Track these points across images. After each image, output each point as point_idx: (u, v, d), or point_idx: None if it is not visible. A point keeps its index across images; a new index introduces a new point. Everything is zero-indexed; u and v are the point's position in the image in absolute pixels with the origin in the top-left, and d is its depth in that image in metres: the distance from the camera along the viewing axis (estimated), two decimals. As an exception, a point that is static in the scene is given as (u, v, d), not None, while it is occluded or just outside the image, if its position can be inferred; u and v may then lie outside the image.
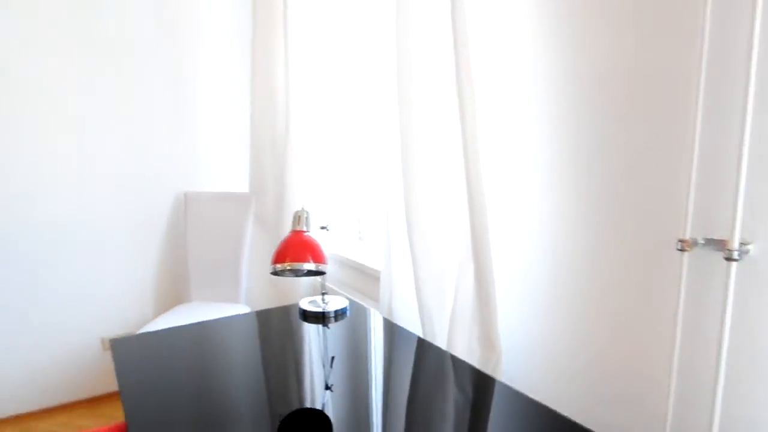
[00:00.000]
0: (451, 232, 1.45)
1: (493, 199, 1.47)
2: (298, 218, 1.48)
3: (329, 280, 2.42)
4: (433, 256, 1.47)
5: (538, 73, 1.31)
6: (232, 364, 1.30)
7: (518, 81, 1.36)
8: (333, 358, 1.32)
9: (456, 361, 1.28)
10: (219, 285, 2.64)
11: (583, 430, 0.98)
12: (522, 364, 1.43)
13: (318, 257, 1.42)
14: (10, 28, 2.35)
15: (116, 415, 2.55)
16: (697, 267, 1.03)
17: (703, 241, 1.01)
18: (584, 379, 1.28)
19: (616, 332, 1.20)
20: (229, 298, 2.61)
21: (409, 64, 1.41)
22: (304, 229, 1.46)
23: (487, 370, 1.39)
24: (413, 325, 1.65)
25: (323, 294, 1.67)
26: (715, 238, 0.99)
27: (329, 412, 1.08)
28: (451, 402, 1.10)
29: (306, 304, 1.64)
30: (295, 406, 1.10)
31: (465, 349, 1.43)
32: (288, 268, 1.39)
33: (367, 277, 2.12)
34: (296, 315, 1.61)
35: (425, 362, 1.30)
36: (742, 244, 0.95)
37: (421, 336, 1.51)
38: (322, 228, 1.63)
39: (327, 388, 1.19)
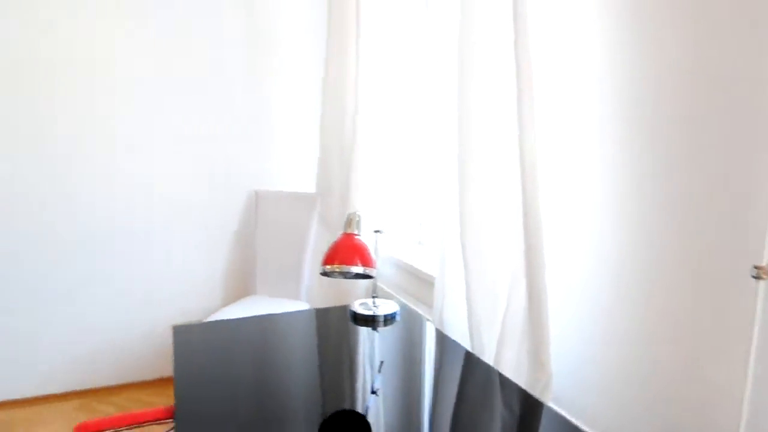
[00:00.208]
0: (505, 243, 1.40)
1: (549, 210, 1.40)
2: (349, 221, 1.49)
3: (386, 283, 2.42)
4: (485, 267, 1.43)
5: (602, 77, 1.24)
6: (281, 359, 1.32)
7: (581, 83, 1.30)
8: (382, 362, 1.31)
9: (503, 380, 1.24)
10: (282, 280, 2.72)
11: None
12: (573, 388, 1.36)
13: (366, 261, 1.43)
14: (106, 29, 2.55)
15: (180, 397, 2.67)
16: (773, 298, 0.93)
17: (781, 271, 0.91)
18: (642, 408, 1.19)
19: (681, 360, 1.10)
20: (290, 294, 2.68)
21: (471, 68, 1.38)
22: (356, 232, 1.47)
23: (535, 392, 1.33)
24: (463, 336, 1.61)
25: (374, 297, 1.67)
26: (796, 268, 0.89)
27: (372, 416, 1.07)
28: (497, 423, 1.06)
29: (357, 307, 1.65)
30: (340, 406, 1.10)
31: (513, 366, 1.38)
32: (336, 269, 1.41)
33: (423, 283, 2.10)
34: (348, 316, 1.62)
35: (471, 377, 1.26)
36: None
37: (470, 348, 1.47)
38: (376, 231, 1.63)
39: (373, 392, 1.18)
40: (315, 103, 2.94)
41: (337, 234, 2.63)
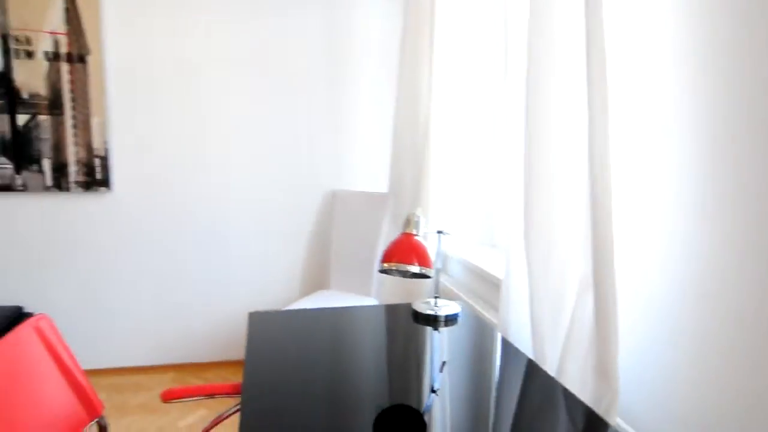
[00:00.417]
0: (572, 247, 1.33)
1: (621, 213, 1.32)
2: (408, 221, 1.49)
3: (455, 285, 2.39)
4: (550, 272, 1.37)
5: (680, 69, 1.14)
6: (343, 350, 1.35)
7: (655, 77, 1.20)
8: (444, 363, 1.31)
9: (566, 394, 1.18)
10: (354, 277, 2.77)
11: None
12: (641, 405, 1.27)
13: (424, 261, 1.42)
14: (200, 36, 2.74)
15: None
16: None
17: None
18: (715, 436, 1.09)
19: None
20: (361, 290, 2.73)
21: (539, 65, 1.33)
22: (414, 232, 1.47)
23: (599, 409, 1.25)
24: (528, 342, 1.55)
25: (436, 297, 1.66)
26: None
27: (431, 416, 1.06)
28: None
29: (419, 305, 1.65)
30: (398, 401, 1.11)
31: (576, 379, 1.31)
32: (394, 268, 1.41)
33: (493, 286, 2.05)
34: (410, 315, 1.62)
35: (532, 387, 1.21)
36: None
37: (532, 356, 1.42)
38: (439, 232, 1.61)
39: (433, 391, 1.18)
40: (390, 106, 2.97)
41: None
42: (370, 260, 2.71)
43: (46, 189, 2.72)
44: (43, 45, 2.61)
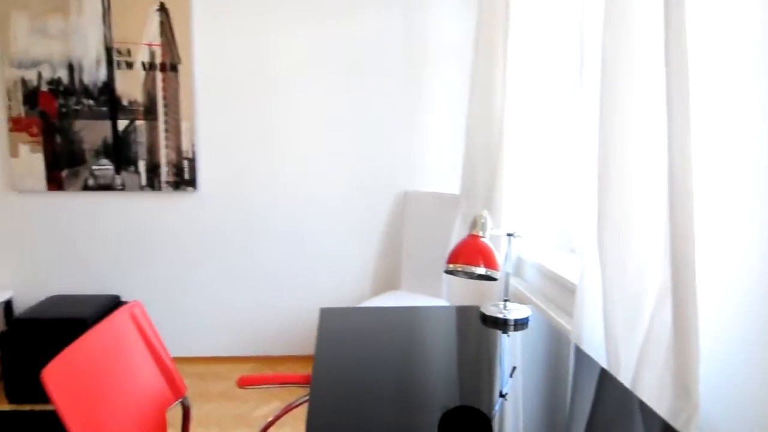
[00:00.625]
0: (649, 252, 1.28)
1: (702, 215, 1.25)
2: (475, 222, 1.49)
3: (529, 289, 2.35)
4: (626, 278, 1.32)
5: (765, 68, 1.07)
6: (410, 349, 1.37)
7: (740, 75, 1.13)
8: (515, 368, 1.30)
9: (642, 406, 1.14)
10: (424, 278, 2.79)
11: None
12: (722, 416, 1.19)
13: (490, 263, 1.41)
14: (281, 41, 2.87)
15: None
16: None
17: None
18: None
19: None
20: (432, 292, 2.74)
21: (615, 62, 1.29)
22: (481, 233, 1.46)
23: (677, 424, 1.20)
24: (602, 350, 1.50)
25: (505, 301, 1.64)
26: None
27: (499, 420, 1.06)
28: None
29: (487, 308, 1.64)
30: (466, 403, 1.11)
31: (653, 391, 1.25)
32: (459, 269, 1.42)
33: (567, 292, 2.00)
34: (479, 317, 1.62)
35: (605, 397, 1.18)
36: None
37: (605, 364, 1.37)
38: (509, 235, 1.60)
39: (501, 395, 1.17)
40: (463, 106, 2.95)
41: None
42: (441, 262, 2.72)
43: (141, 188, 2.96)
44: (141, 56, 2.84)
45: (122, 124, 2.90)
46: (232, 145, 2.96)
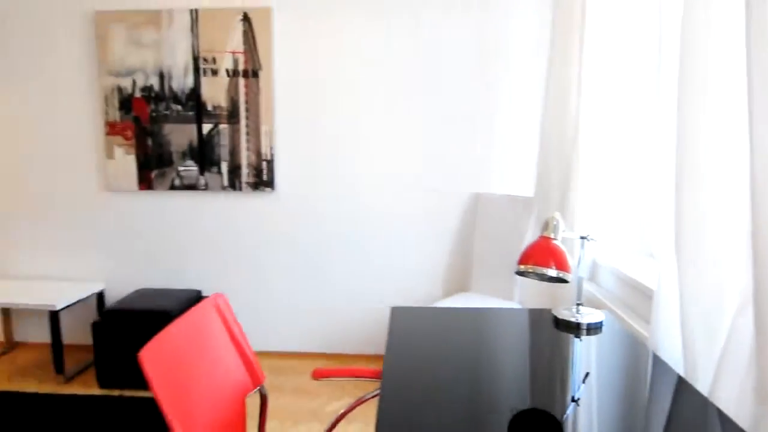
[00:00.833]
0: (730, 257, 1.21)
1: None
2: (547, 224, 1.46)
3: (604, 294, 2.27)
4: (705, 283, 1.26)
5: None
6: (482, 350, 1.38)
7: None
8: (588, 374, 1.27)
9: (721, 417, 1.08)
10: (496, 281, 2.76)
11: None
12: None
13: (562, 265, 1.38)
14: (350, 43, 2.95)
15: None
16: None
17: None
18: None
19: None
20: (503, 294, 2.71)
21: (693, 63, 1.24)
22: (553, 236, 1.44)
23: (763, 436, 1.13)
24: (679, 357, 1.44)
25: (578, 305, 1.61)
26: None
27: (571, 425, 1.04)
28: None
29: (560, 312, 1.61)
30: (536, 406, 1.11)
31: (732, 401, 1.19)
32: (530, 270, 1.40)
33: (644, 297, 1.92)
34: (551, 320, 1.60)
35: (681, 406, 1.13)
36: None
37: (682, 373, 1.31)
38: (583, 238, 1.56)
39: (573, 400, 1.16)
40: (536, 108, 2.90)
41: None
42: (513, 265, 2.68)
43: (223, 188, 3.13)
44: (225, 63, 3.01)
45: (207, 127, 3.08)
46: (307, 148, 3.07)
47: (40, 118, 3.18)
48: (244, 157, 3.09)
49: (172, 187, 3.15)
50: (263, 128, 3.05)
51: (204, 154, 3.10)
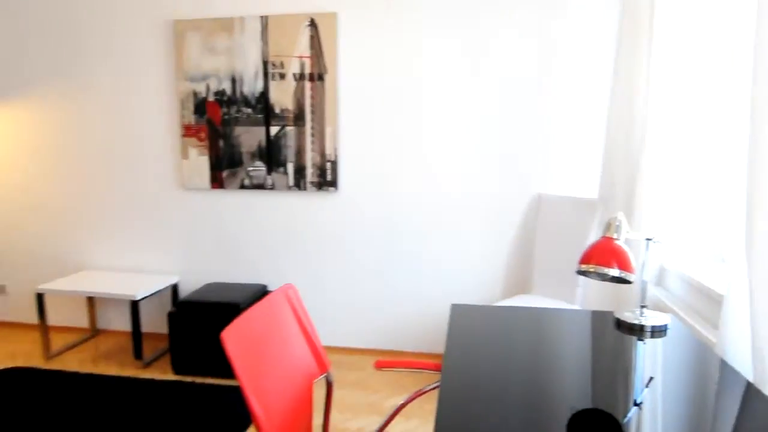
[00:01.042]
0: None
1: None
2: (609, 225, 1.45)
3: (671, 299, 2.20)
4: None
5: None
6: (542, 349, 1.38)
7: None
8: (652, 378, 1.26)
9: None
10: (558, 283, 2.73)
11: None
12: None
13: (624, 265, 1.37)
14: (423, 42, 3.00)
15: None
16: None
17: None
18: None
19: None
20: (565, 297, 2.67)
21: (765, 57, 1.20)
22: (615, 236, 1.43)
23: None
24: (748, 363, 1.39)
25: (642, 307, 1.58)
26: None
27: (635, 429, 1.04)
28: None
29: (623, 314, 1.59)
30: (595, 407, 1.11)
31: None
32: (592, 269, 1.40)
33: (714, 303, 1.86)
34: (613, 322, 1.58)
35: (751, 413, 1.10)
36: None
37: (751, 379, 1.27)
38: (648, 239, 1.53)
39: (636, 404, 1.15)
40: (602, 108, 2.85)
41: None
42: (575, 267, 2.64)
43: (289, 188, 3.26)
44: (293, 68, 3.14)
45: (274, 129, 3.22)
46: (370, 149, 3.14)
47: (123, 122, 3.43)
48: (309, 158, 3.20)
49: (242, 187, 3.31)
50: (327, 130, 3.16)
51: (271, 155, 3.24)
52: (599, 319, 1.64)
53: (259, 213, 3.34)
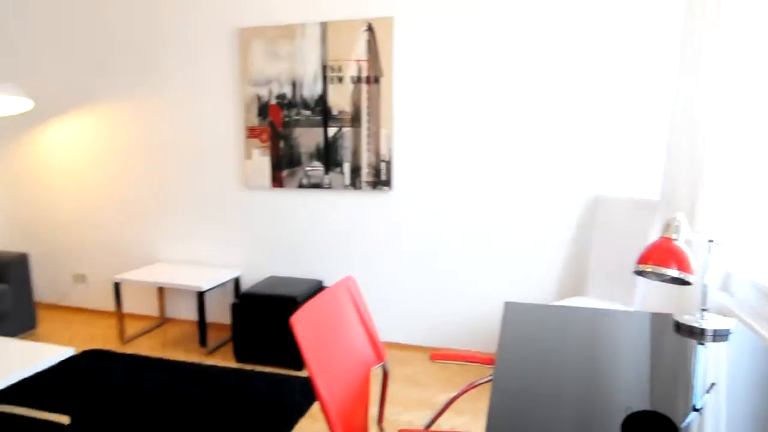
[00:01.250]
0: None
1: None
2: (668, 225, 1.44)
3: (738, 305, 2.14)
4: None
5: None
6: (596, 349, 1.39)
7: None
8: (713, 384, 1.25)
9: None
10: (614, 286, 2.69)
11: None
12: None
13: (683, 266, 1.36)
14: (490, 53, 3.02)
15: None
16: None
17: None
18: None
19: None
20: (622, 300, 2.63)
21: None
22: (674, 236, 1.42)
23: None
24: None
25: (703, 310, 1.56)
26: None
27: None
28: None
29: (682, 317, 1.58)
30: (651, 410, 1.10)
31: None
32: (650, 270, 1.39)
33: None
34: (672, 325, 1.57)
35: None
36: None
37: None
38: (710, 241, 1.51)
39: (695, 409, 1.14)
40: (663, 106, 2.77)
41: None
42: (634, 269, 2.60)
43: (345, 187, 3.36)
44: (350, 71, 3.24)
45: (332, 131, 3.33)
46: (423, 149, 3.20)
47: (192, 125, 3.63)
48: (365, 158, 3.29)
49: (300, 186, 3.44)
50: (383, 131, 3.23)
51: (329, 155, 3.35)
52: (657, 321, 1.62)
53: (316, 211, 3.46)
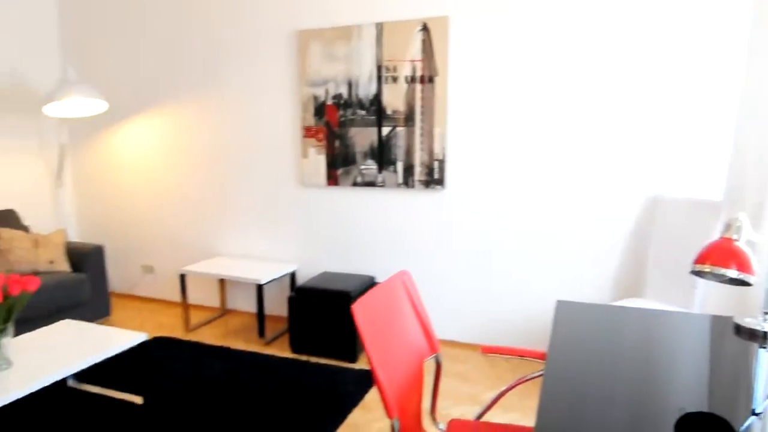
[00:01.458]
0: None
1: None
2: (729, 226, 1.41)
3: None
4: None
5: None
6: (651, 351, 1.38)
7: None
8: None
9: None
10: (673, 288, 2.63)
11: None
12: None
13: (744, 266, 1.33)
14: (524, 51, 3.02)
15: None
16: None
17: None
18: None
19: None
20: (680, 303, 2.57)
21: None
22: (735, 237, 1.39)
23: None
24: None
25: (765, 313, 1.52)
26: None
27: None
28: None
29: (742, 319, 1.54)
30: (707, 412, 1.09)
31: None
32: (708, 270, 1.37)
33: None
34: (731, 327, 1.54)
35: None
36: None
37: None
38: (773, 241, 1.47)
39: (754, 413, 1.13)
40: (729, 103, 2.68)
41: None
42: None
43: (398, 185, 3.42)
44: (405, 71, 3.30)
45: (385, 130, 3.40)
46: (477, 148, 3.21)
47: (252, 125, 3.80)
48: (418, 157, 3.34)
49: (354, 184, 3.53)
50: (436, 130, 3.27)
51: (383, 154, 3.43)
52: (717, 323, 1.60)
53: (370, 209, 3.54)
